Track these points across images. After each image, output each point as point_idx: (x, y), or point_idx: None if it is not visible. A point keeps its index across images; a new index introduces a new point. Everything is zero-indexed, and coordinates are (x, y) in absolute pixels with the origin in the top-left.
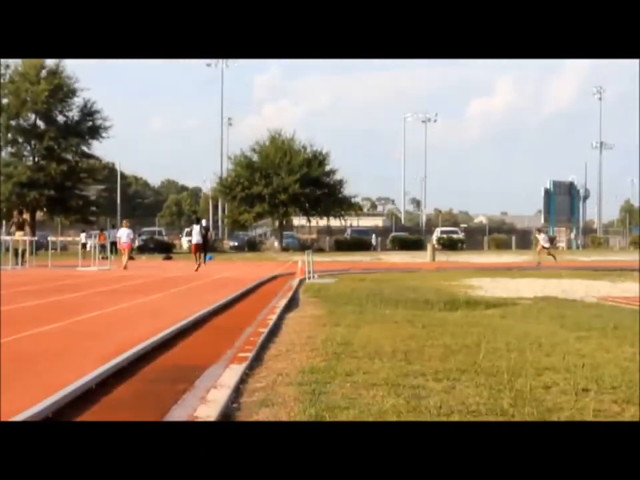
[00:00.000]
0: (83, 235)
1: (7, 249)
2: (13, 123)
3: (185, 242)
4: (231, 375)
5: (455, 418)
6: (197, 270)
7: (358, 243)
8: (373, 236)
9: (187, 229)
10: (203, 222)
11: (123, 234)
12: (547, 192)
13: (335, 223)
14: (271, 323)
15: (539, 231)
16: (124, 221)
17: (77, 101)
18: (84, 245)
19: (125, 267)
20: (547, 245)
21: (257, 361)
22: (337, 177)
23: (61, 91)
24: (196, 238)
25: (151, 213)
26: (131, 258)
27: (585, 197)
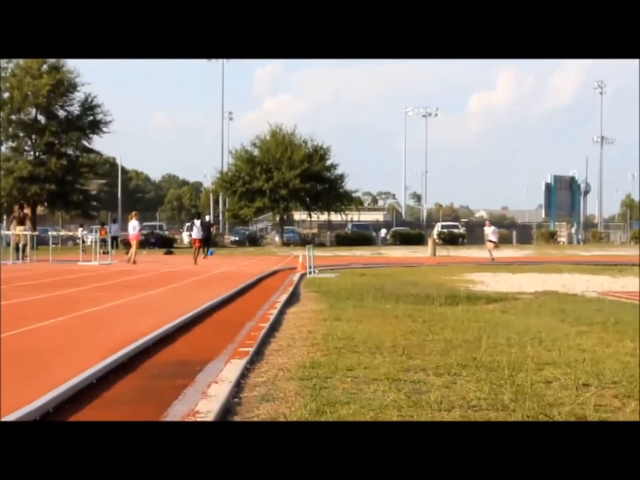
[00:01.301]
0: (80, 230)
1: (8, 244)
2: (13, 117)
3: (185, 236)
4: (232, 369)
5: (456, 413)
6: (195, 263)
7: (359, 237)
8: (383, 231)
9: (187, 224)
10: (206, 217)
11: (131, 225)
12: (547, 187)
13: (335, 217)
14: (271, 317)
15: (490, 222)
16: (134, 212)
17: (78, 95)
18: (82, 240)
19: (134, 262)
20: (493, 238)
21: (257, 355)
22: (338, 171)
23: (62, 86)
24: (196, 233)
25: (152, 207)
26: None
27: (586, 192)
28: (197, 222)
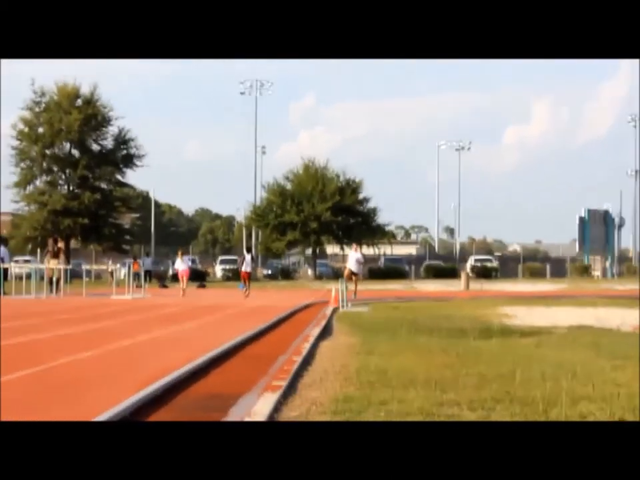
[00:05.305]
0: (109, 263)
1: (42, 277)
2: (47, 151)
3: (218, 270)
4: (265, 403)
5: None
6: (247, 296)
7: (392, 271)
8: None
9: (220, 257)
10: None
11: (184, 262)
12: (581, 220)
13: (368, 251)
14: (304, 351)
15: (357, 247)
16: (180, 251)
17: (112, 129)
18: (111, 274)
19: (183, 294)
20: (355, 269)
21: (290, 389)
22: (371, 204)
23: (95, 120)
24: (246, 267)
25: (185, 241)
26: (164, 286)
27: (620, 225)
28: (248, 256)
